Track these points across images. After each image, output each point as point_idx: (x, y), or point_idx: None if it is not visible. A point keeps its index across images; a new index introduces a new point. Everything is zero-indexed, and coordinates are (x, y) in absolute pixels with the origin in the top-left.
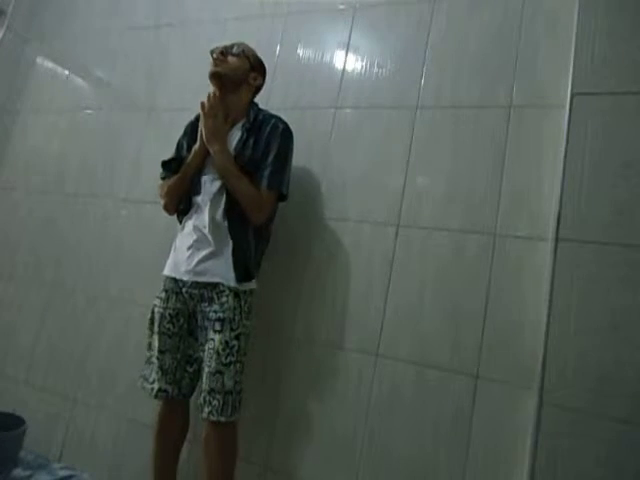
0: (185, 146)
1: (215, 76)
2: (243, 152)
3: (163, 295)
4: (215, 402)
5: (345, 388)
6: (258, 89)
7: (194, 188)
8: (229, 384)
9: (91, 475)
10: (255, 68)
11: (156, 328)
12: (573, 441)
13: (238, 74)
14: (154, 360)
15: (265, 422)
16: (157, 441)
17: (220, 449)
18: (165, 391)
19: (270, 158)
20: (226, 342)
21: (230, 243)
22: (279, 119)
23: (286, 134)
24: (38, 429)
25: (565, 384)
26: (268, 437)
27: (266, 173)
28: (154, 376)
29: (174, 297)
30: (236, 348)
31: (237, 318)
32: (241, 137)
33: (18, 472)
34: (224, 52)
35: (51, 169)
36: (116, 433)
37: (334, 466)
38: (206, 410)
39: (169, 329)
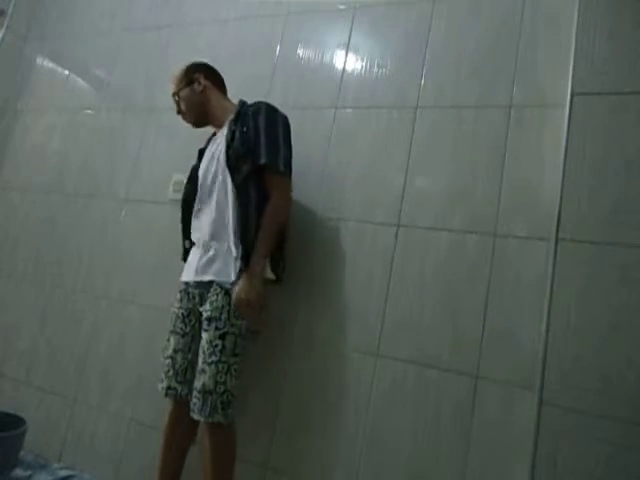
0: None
1: (196, 126)
2: (232, 143)
3: (178, 295)
4: (195, 400)
5: (345, 388)
6: (215, 83)
7: (198, 195)
8: (209, 384)
9: (91, 475)
10: (190, 80)
11: (171, 327)
12: (573, 441)
13: (192, 101)
14: (167, 360)
15: (265, 422)
16: (164, 440)
17: (211, 449)
18: (174, 389)
19: (262, 135)
20: (210, 341)
21: (237, 245)
22: (260, 101)
23: (270, 112)
24: (38, 429)
25: (565, 384)
26: (268, 437)
27: (262, 149)
28: (165, 374)
29: (186, 297)
30: (219, 347)
31: (223, 317)
32: (229, 129)
33: (18, 472)
34: (179, 109)
35: (51, 169)
36: (116, 433)
37: (334, 466)
38: (190, 407)
39: (182, 329)
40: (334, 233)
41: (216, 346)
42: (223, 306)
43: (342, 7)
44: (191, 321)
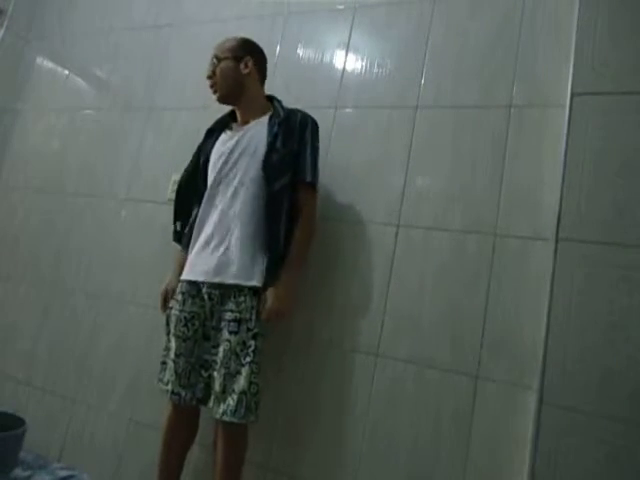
0: (200, 157)
1: (221, 101)
2: (275, 146)
3: (179, 297)
4: (230, 401)
5: (345, 388)
6: (260, 70)
7: (215, 184)
8: (244, 384)
9: (91, 475)
10: (239, 57)
11: (172, 330)
12: (573, 441)
13: (232, 78)
14: (168, 361)
15: (265, 423)
16: (164, 443)
17: (234, 450)
18: (178, 394)
19: (308, 151)
20: (243, 342)
21: (264, 251)
22: (305, 113)
23: (316, 128)
24: (38, 429)
25: (565, 384)
26: (268, 437)
27: (307, 167)
28: (168, 377)
29: (190, 300)
30: (252, 348)
31: (254, 317)
32: (271, 130)
33: (18, 472)
34: (212, 72)
35: (51, 169)
36: (116, 433)
37: (334, 466)
38: (220, 411)
39: (184, 333)
40: (334, 233)
41: (249, 347)
42: (252, 307)
43: (342, 7)
44: (194, 325)
